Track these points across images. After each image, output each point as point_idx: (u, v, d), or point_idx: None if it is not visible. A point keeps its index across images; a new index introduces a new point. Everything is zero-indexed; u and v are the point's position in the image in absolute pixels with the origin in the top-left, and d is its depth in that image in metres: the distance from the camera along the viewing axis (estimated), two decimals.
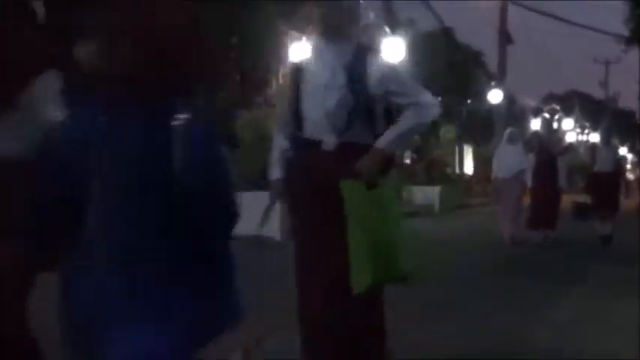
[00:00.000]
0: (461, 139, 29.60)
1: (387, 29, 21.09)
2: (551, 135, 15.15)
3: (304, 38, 20.32)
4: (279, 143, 4.15)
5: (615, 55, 53.75)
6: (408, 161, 32.82)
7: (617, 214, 13.46)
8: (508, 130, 14.40)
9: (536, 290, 8.13)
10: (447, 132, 28.14)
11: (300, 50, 20.52)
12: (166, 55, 2.35)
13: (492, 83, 30.54)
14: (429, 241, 12.94)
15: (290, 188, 4.11)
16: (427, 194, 23.28)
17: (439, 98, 29.65)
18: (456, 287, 8.47)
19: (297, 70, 4.01)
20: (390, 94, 3.80)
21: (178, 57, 2.41)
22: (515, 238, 12.93)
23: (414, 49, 23.89)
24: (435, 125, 28.27)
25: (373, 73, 3.76)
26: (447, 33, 30.43)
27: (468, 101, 30.83)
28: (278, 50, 25.94)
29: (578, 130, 64.61)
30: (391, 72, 3.89)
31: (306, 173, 3.90)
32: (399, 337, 4.33)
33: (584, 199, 14.50)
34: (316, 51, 4.01)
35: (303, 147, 3.89)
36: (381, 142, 3.75)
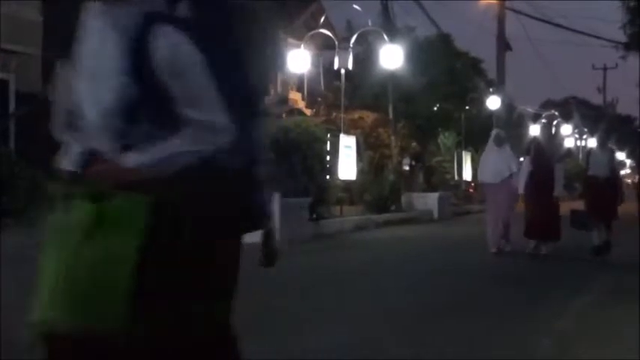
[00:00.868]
0: (460, 146, 29.61)
1: (385, 36, 21.11)
2: (549, 140, 14.97)
3: (302, 46, 20.45)
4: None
5: (613, 62, 53.96)
6: (407, 168, 32.85)
7: (614, 223, 12.32)
8: (494, 132, 13.10)
9: (514, 307, 7.58)
10: (446, 138, 28.17)
11: (298, 58, 20.63)
12: None
13: (491, 90, 30.62)
14: (425, 246, 12.71)
15: None
16: (426, 201, 23.28)
17: (438, 105, 29.78)
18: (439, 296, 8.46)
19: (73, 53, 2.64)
20: (171, 97, 2.49)
21: None
22: (501, 246, 12.19)
23: (412, 56, 23.94)
24: (434, 132, 28.35)
25: (160, 57, 2.45)
26: (445, 40, 30.48)
27: (467, 108, 30.86)
28: (276, 59, 25.97)
29: (577, 135, 64.71)
30: (187, 67, 2.47)
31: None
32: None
33: (582, 206, 13.34)
34: (90, 22, 2.58)
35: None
36: (135, 159, 2.46)
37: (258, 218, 2.75)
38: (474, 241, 13.78)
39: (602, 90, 69.02)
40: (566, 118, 56.81)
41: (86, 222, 2.41)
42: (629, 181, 48.50)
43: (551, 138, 16.11)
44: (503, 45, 29.40)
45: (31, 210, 11.24)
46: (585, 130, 68.18)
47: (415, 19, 33.15)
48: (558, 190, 12.06)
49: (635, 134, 75.29)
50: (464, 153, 29.41)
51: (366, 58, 23.57)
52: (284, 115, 32.20)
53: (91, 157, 2.52)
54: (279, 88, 34.01)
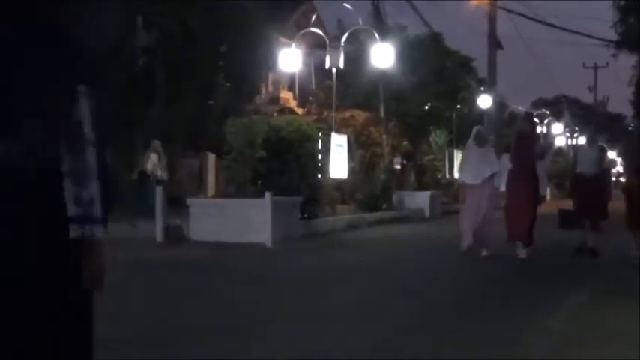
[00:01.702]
0: (451, 144, 29.62)
1: (377, 35, 21.10)
2: (531, 135, 12.30)
3: (293, 45, 20.42)
4: None
5: (604, 60, 54.12)
6: (398, 167, 32.85)
7: (604, 223, 11.78)
8: (475, 130, 11.94)
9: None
10: (438, 137, 28.16)
11: (289, 57, 20.62)
12: None
13: (482, 89, 30.66)
14: (417, 245, 12.56)
15: None
16: (417, 199, 23.28)
17: (429, 104, 29.82)
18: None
19: None
20: None
21: None
22: (470, 246, 11.33)
23: (403, 55, 23.94)
24: (425, 131, 28.35)
25: None
26: (436, 39, 30.50)
27: (458, 106, 30.89)
28: (267, 58, 25.96)
29: (568, 134, 64.86)
30: None
31: None
32: None
33: (570, 205, 12.79)
34: None
35: None
36: None
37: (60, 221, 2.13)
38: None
39: (593, 89, 69.20)
40: (557, 116, 56.90)
41: None
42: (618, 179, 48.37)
43: (534, 132, 12.54)
44: (495, 44, 29.44)
45: None
46: (576, 128, 68.36)
47: (406, 19, 33.20)
48: (541, 188, 11.46)
49: (625, 131, 75.60)
50: (455, 152, 29.43)
51: (357, 57, 23.57)
52: (275, 114, 32.21)
53: None
54: (270, 87, 34.02)
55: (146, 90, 23.08)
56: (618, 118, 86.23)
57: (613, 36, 28.91)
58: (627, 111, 54.44)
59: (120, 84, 22.61)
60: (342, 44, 20.00)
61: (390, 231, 17.43)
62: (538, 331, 6.17)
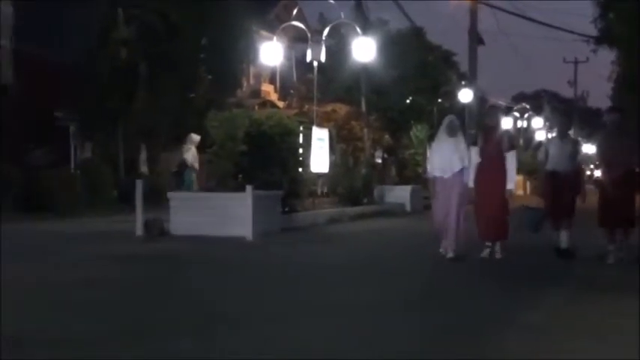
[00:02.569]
0: (432, 139, 29.67)
1: (358, 29, 21.11)
2: (498, 126, 11.53)
3: (275, 38, 20.37)
4: None
5: (584, 55, 54.41)
6: (379, 160, 32.92)
7: (574, 221, 10.72)
8: (446, 120, 10.87)
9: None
10: (419, 131, 28.21)
11: (270, 50, 20.57)
12: None
13: (463, 83, 30.75)
14: (397, 240, 12.41)
15: None
16: (399, 193, 23.34)
17: (410, 98, 29.88)
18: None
19: None
20: None
21: None
22: (454, 250, 10.38)
23: (385, 49, 23.97)
24: (406, 125, 28.42)
25: None
26: (418, 33, 30.57)
27: (439, 101, 30.98)
28: (249, 51, 25.94)
29: (548, 128, 65.12)
30: None
31: None
32: None
33: (536, 202, 11.66)
34: None
35: None
36: None
37: None
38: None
39: (574, 83, 69.50)
40: (538, 111, 57.13)
41: None
42: (598, 174, 48.32)
43: (499, 125, 12.01)
44: (476, 39, 29.50)
45: None
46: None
47: (389, 13, 33.24)
48: (510, 183, 10.48)
49: (604, 126, 75.74)
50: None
51: (338, 51, 23.59)
52: (256, 107, 32.18)
53: None
54: (251, 80, 34.00)
55: (128, 83, 23.03)
56: (598, 112, 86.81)
57: (593, 31, 29.12)
58: (607, 105, 54.76)
59: (102, 77, 22.56)
60: (324, 38, 19.97)
61: (371, 225, 17.48)
62: (517, 331, 6.20)
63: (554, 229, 10.73)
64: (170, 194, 14.30)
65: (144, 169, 24.35)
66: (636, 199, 10.29)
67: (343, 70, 25.05)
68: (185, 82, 24.66)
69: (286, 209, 15.61)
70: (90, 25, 22.80)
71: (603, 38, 28.08)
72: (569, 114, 17.04)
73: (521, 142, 52.95)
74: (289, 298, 7.60)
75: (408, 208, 23.01)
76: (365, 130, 25.18)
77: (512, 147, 10.66)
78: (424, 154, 29.28)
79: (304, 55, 21.09)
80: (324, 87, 24.66)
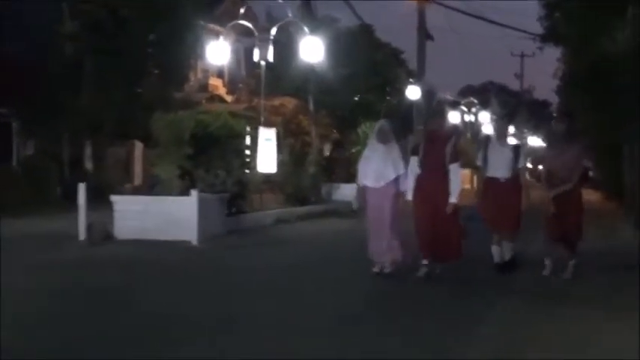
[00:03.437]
0: None
1: (306, 28, 21.01)
2: (444, 130, 10.31)
3: (222, 38, 20.20)
4: None
5: (531, 50, 55.10)
6: (327, 154, 32.89)
7: (518, 233, 10.08)
8: (377, 125, 10.11)
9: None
10: (367, 128, 28.20)
11: (218, 50, 20.40)
12: None
13: (411, 80, 30.87)
14: (342, 242, 12.20)
15: None
16: (346, 191, 23.29)
17: (359, 96, 29.90)
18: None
19: None
20: None
21: None
22: (385, 266, 9.66)
23: (334, 47, 23.91)
24: (355, 122, 28.40)
25: None
26: (367, 31, 30.59)
27: (388, 98, 31.08)
28: (196, 46, 25.67)
29: (495, 121, 65.84)
30: None
31: None
32: None
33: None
34: None
35: None
36: None
37: None
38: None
39: (520, 76, 70.44)
40: (485, 104, 57.68)
41: None
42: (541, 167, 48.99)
43: (445, 130, 10.52)
44: (424, 35, 29.67)
45: None
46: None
47: (338, 11, 33.17)
48: (453, 195, 9.29)
49: (550, 118, 77.28)
50: None
51: (287, 49, 23.45)
52: (204, 102, 31.89)
53: None
54: (199, 74, 33.64)
55: (73, 78, 22.62)
56: (544, 104, 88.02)
57: (540, 29, 29.43)
58: (553, 97, 55.51)
59: (46, 72, 22.11)
60: (272, 37, 19.84)
61: (317, 226, 17.45)
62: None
63: (493, 242, 9.89)
64: (114, 197, 14.07)
65: (89, 165, 23.97)
66: (580, 217, 9.79)
67: (291, 69, 24.94)
68: (132, 78, 24.30)
69: (233, 210, 15.51)
70: (34, 20, 22.32)
71: (549, 36, 28.39)
72: (510, 115, 15.21)
73: (468, 135, 53.58)
74: (228, 307, 7.62)
75: (356, 206, 22.95)
76: (313, 127, 25.12)
77: (455, 159, 9.44)
78: None
79: (253, 49, 20.93)
80: (273, 85, 24.52)
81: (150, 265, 10.92)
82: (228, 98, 34.34)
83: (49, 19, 22.72)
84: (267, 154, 18.12)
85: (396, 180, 9.59)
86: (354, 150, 28.95)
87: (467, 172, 41.75)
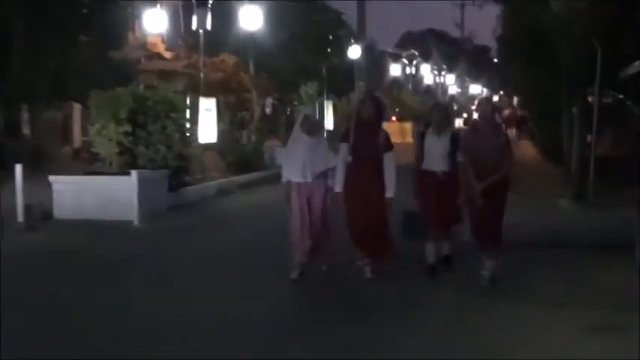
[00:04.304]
0: (322, 95, 29.83)
1: None
2: (376, 116, 8.86)
3: (159, 6, 19.85)
4: None
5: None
6: (268, 111, 32.79)
7: (457, 230, 9.24)
8: (302, 113, 9.08)
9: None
10: (308, 88, 28.26)
11: (154, 18, 20.05)
12: None
13: (352, 40, 30.86)
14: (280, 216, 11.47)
15: None
16: None
17: (300, 60, 29.79)
18: None
19: None
20: None
21: None
22: (304, 265, 8.76)
23: (275, 12, 23.70)
24: (295, 84, 28.41)
25: None
26: None
27: (330, 59, 31.05)
28: (132, 19, 25.20)
29: (436, 72, 66.27)
30: None
31: None
32: None
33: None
34: None
35: None
36: None
37: None
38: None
39: (461, 26, 70.75)
40: (426, 57, 57.97)
41: None
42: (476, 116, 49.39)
43: (379, 116, 8.91)
44: None
45: None
46: (444, 66, 70.12)
47: None
48: (390, 188, 8.52)
49: (491, 64, 77.97)
50: (325, 102, 29.68)
51: (226, 15, 23.16)
52: (143, 60, 31.38)
53: None
54: (137, 32, 33.01)
55: (3, 42, 22.03)
56: (484, 50, 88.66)
57: None
58: (493, 44, 55.89)
59: None
60: (210, 4, 19.56)
61: (258, 196, 17.33)
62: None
63: (429, 239, 9.02)
64: (52, 178, 13.90)
65: (26, 131, 23.52)
66: (502, 216, 8.57)
67: (231, 36, 24.67)
68: (66, 40, 23.76)
69: (173, 184, 15.43)
70: None
71: None
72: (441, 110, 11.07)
73: (410, 87, 53.94)
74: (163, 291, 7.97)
75: None
76: (254, 93, 25.01)
77: (389, 147, 8.64)
78: (314, 111, 29.48)
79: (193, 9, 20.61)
80: (213, 49, 24.25)
81: (81, 253, 10.82)
82: (167, 55, 33.85)
83: None
84: (207, 124, 18.02)
85: (325, 174, 8.63)
86: (296, 109, 29.06)
87: (407, 125, 42.16)
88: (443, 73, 67.35)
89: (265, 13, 21.14)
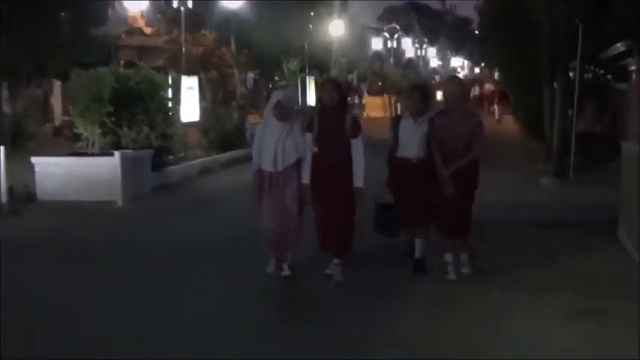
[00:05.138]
0: (304, 70, 29.77)
1: None
2: (343, 100, 8.19)
3: None
4: None
5: None
6: (250, 85, 32.70)
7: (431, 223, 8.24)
8: (274, 98, 8.27)
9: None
10: (290, 63, 28.18)
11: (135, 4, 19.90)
12: None
13: (335, 15, 30.78)
14: None
15: None
16: None
17: (282, 36, 29.70)
18: None
19: None
20: None
21: None
22: (287, 262, 8.22)
23: None
24: (277, 61, 28.32)
25: None
26: None
27: (311, 35, 30.96)
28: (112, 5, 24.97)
29: (417, 45, 66.23)
30: None
31: None
32: None
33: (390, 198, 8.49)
34: None
35: None
36: None
37: None
38: None
39: None
40: (407, 30, 57.85)
41: None
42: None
43: (344, 101, 8.16)
44: None
45: None
46: (425, 40, 70.12)
47: None
48: (358, 178, 7.90)
49: (472, 36, 77.96)
50: (307, 78, 29.61)
51: None
52: (123, 35, 31.19)
53: None
54: (117, 7, 32.77)
55: None
56: (466, 21, 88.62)
57: None
58: (474, 15, 55.80)
59: None
60: None
61: (240, 175, 17.21)
62: None
63: (406, 234, 8.52)
64: (35, 159, 13.83)
65: (6, 109, 23.34)
66: (472, 207, 8.13)
67: (213, 15, 24.54)
68: (46, 18, 23.52)
69: (157, 164, 15.40)
70: None
71: None
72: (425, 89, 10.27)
73: (391, 60, 53.87)
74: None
75: None
76: (236, 70, 24.93)
77: (356, 132, 7.94)
78: (296, 85, 29.39)
79: None
80: (195, 26, 24.12)
81: (66, 228, 10.88)
82: (148, 30, 33.67)
83: None
84: (189, 102, 17.97)
85: (297, 164, 8.03)
86: (278, 85, 28.98)
87: (386, 98, 42.16)
88: (424, 46, 67.39)
89: None
